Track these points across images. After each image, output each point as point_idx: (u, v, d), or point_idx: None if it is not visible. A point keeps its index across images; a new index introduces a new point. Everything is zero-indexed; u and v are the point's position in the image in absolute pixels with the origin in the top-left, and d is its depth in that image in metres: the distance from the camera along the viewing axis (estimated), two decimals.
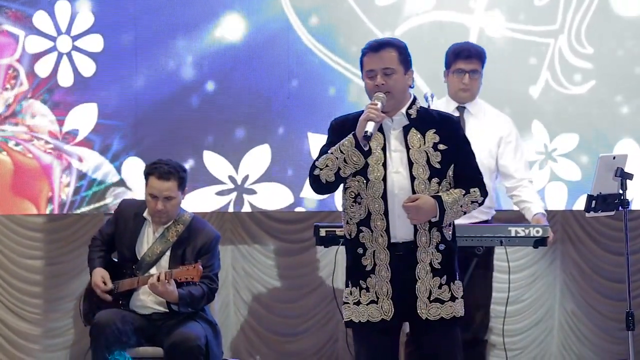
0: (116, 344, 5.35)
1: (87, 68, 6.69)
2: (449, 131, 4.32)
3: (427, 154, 4.25)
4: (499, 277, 6.00)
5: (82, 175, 6.72)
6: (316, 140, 6.63)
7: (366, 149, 4.20)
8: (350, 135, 4.20)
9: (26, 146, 6.71)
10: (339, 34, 6.78)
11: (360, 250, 4.28)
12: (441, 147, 4.26)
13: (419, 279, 4.24)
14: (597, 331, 7.06)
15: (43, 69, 6.70)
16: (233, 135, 6.76)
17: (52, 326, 6.96)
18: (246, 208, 6.78)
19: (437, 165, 4.25)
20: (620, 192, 5.13)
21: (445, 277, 4.26)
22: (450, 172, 4.28)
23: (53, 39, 6.70)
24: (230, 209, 6.79)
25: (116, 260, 5.70)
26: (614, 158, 5.13)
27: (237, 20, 6.76)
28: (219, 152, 6.76)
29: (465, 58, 5.56)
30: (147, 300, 5.55)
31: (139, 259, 5.57)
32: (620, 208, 5.16)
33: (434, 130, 4.29)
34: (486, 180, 4.50)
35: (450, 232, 4.32)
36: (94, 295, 5.61)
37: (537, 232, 5.30)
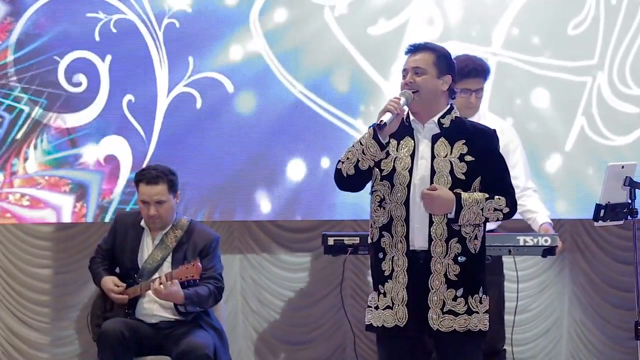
0: (123, 352, 5.36)
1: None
2: (481, 143, 4.29)
3: (451, 163, 4.24)
4: (508, 287, 5.98)
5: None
6: None
7: (384, 141, 4.20)
8: (370, 127, 4.23)
9: None
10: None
11: (380, 255, 4.29)
12: (468, 158, 4.24)
13: (432, 289, 4.22)
14: (605, 340, 7.04)
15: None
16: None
17: (60, 335, 6.96)
18: (254, 217, 6.78)
19: (462, 177, 4.24)
20: (629, 201, 5.12)
21: (462, 289, 4.23)
22: (476, 185, 4.26)
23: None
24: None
25: (118, 272, 5.71)
26: (623, 167, 5.12)
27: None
28: None
29: (473, 77, 5.38)
30: (152, 308, 5.56)
31: (140, 267, 5.59)
32: (629, 217, 5.15)
33: (464, 141, 4.27)
34: None
35: (475, 246, 4.27)
36: (102, 308, 5.64)
37: (546, 241, 5.30)
